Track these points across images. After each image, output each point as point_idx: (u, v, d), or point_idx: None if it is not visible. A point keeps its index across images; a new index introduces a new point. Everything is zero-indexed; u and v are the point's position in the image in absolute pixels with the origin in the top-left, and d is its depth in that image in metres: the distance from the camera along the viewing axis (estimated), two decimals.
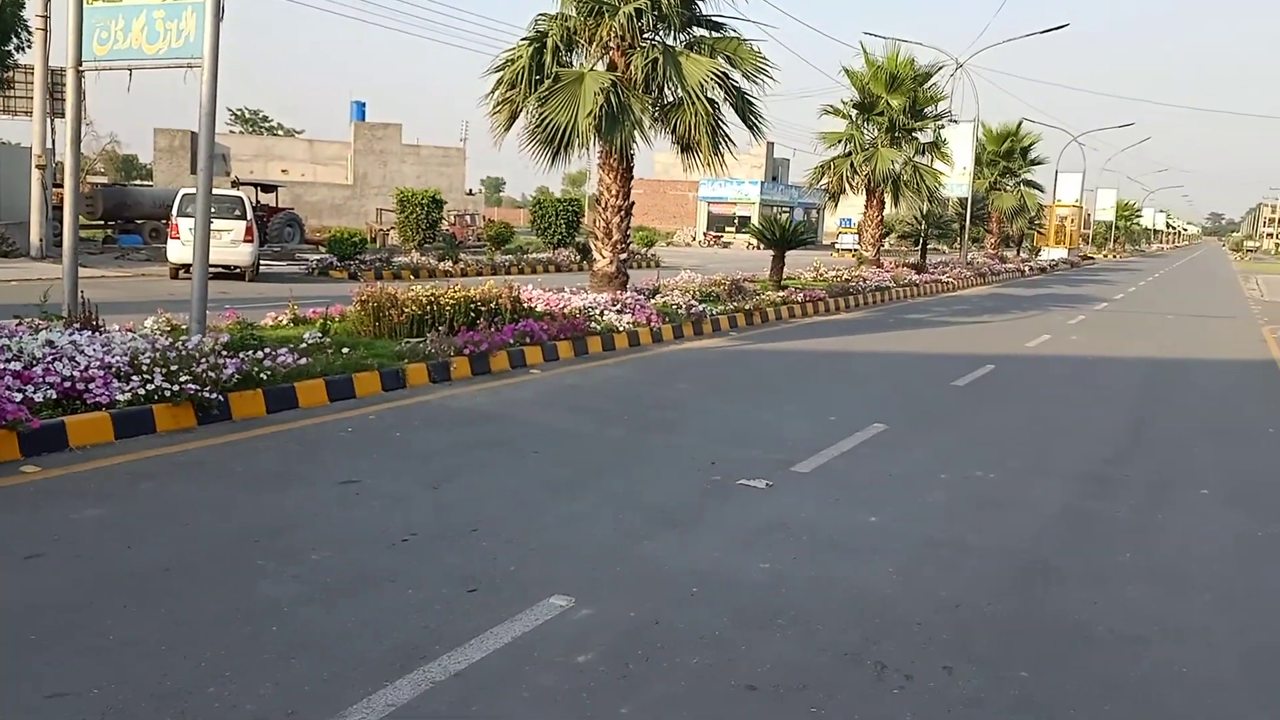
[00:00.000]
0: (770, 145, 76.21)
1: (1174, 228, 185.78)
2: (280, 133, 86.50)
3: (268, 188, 35.55)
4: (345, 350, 10.14)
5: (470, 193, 69.62)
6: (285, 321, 12.58)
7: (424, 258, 28.25)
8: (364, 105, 58.49)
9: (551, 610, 4.86)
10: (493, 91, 16.39)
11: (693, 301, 16.85)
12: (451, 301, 12.32)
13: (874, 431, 9.39)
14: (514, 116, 16.38)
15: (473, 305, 12.49)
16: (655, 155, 74.03)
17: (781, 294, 20.12)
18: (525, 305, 13.70)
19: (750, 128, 16.85)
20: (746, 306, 17.99)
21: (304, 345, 10.02)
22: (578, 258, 33.29)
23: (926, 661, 4.56)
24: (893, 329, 18.98)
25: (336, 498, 6.60)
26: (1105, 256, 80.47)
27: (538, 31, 16.13)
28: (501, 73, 16.21)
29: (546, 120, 15.30)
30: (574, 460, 7.94)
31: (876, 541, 6.30)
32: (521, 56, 15.83)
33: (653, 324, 14.93)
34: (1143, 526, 6.94)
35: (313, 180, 56.03)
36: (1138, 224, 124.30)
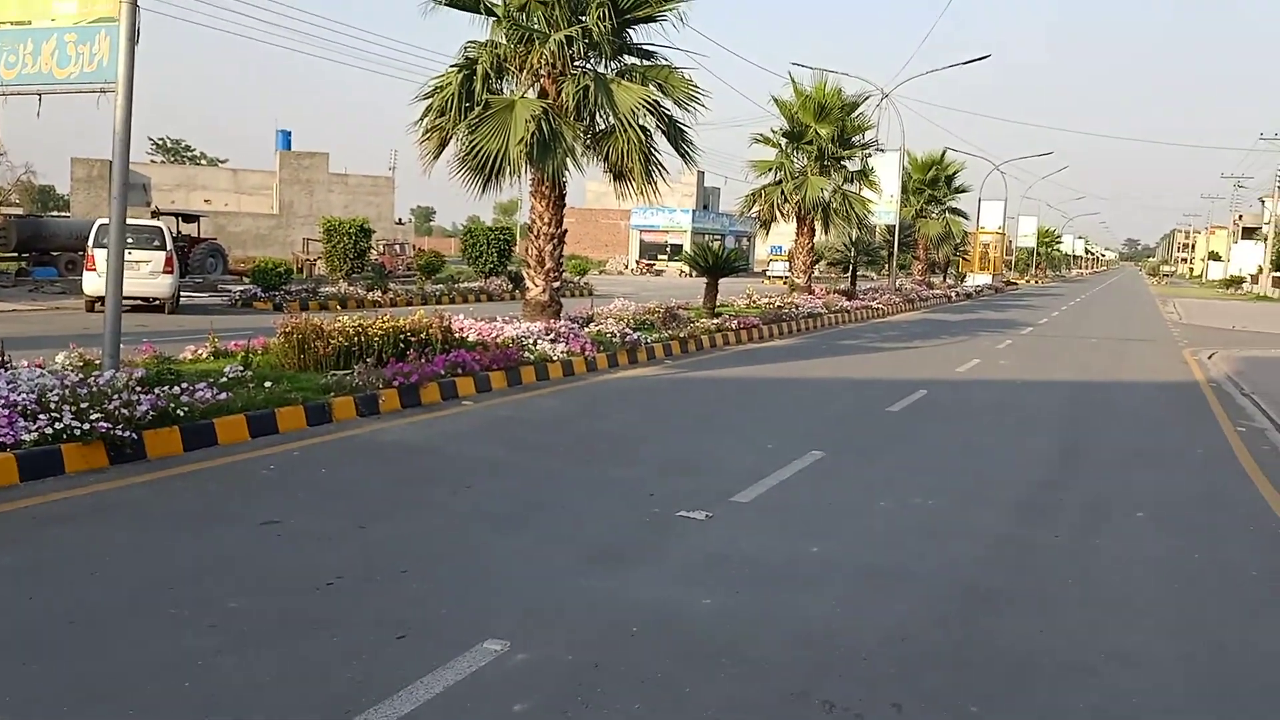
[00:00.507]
0: (701, 174, 76.82)
1: (1092, 253, 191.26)
2: (203, 162, 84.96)
3: (189, 218, 34.67)
4: (268, 384, 9.77)
5: (400, 222, 69.01)
6: (205, 355, 12.14)
7: (352, 288, 27.78)
8: (289, 134, 57.69)
9: (486, 655, 4.63)
10: (422, 119, 16.13)
11: (627, 330, 16.73)
12: (380, 332, 12.01)
13: (812, 459, 9.31)
14: (443, 144, 16.13)
15: (402, 336, 12.19)
16: (587, 183, 74.23)
17: (716, 321, 20.11)
18: (457, 335, 13.44)
19: (682, 155, 16.83)
20: (681, 334, 17.92)
21: (224, 380, 9.66)
22: (510, 287, 33.03)
23: (875, 699, 4.43)
24: (826, 355, 19.05)
25: (257, 540, 6.29)
26: (1028, 282, 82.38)
27: (467, 58, 15.96)
28: (431, 100, 15.97)
29: (477, 148, 15.09)
30: (510, 495, 7.71)
31: (819, 572, 6.18)
32: (451, 83, 15.61)
33: (587, 353, 14.75)
34: (1081, 551, 6.92)
35: (237, 210, 54.98)
36: (1058, 250, 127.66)
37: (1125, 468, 10.02)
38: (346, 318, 12.29)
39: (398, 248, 47.17)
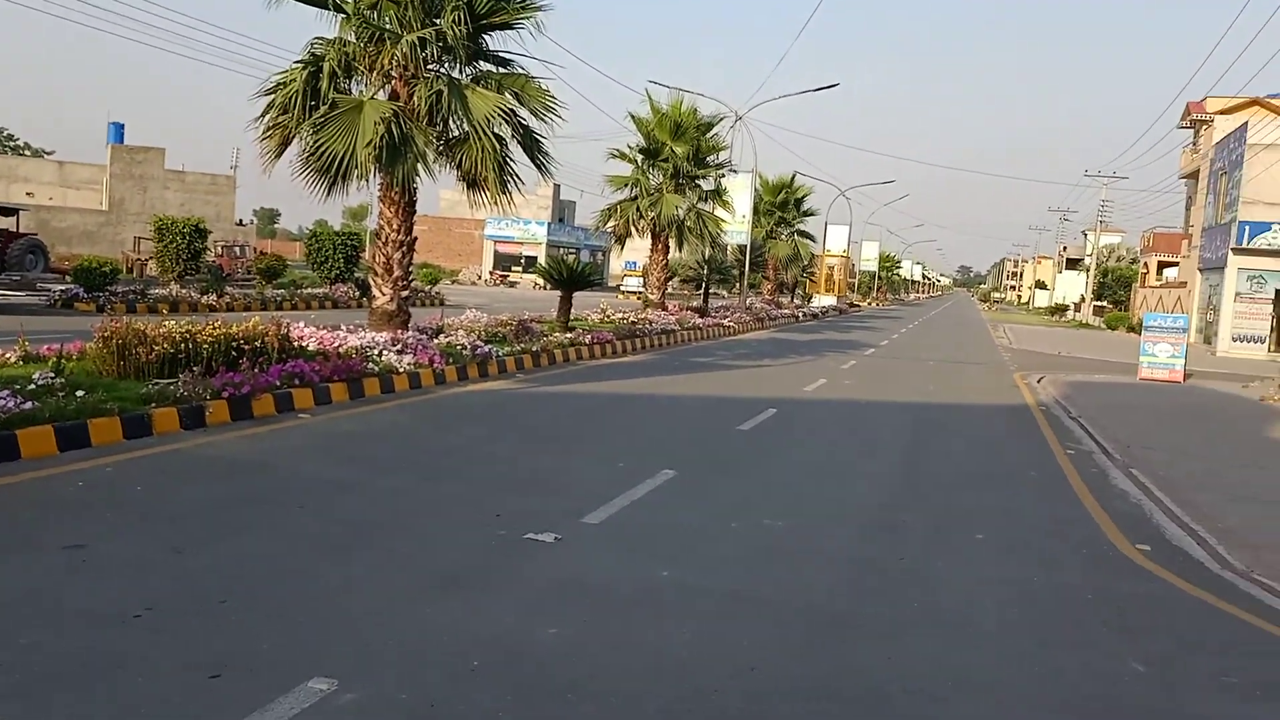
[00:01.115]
0: (557, 186, 76.69)
1: (929, 278, 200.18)
2: (26, 153, 79.46)
3: (7, 210, 32.27)
4: (81, 393, 8.98)
5: (241, 223, 66.15)
6: (14, 359, 11.11)
7: (185, 290, 26.29)
8: (122, 127, 54.47)
9: (310, 696, 4.23)
10: (263, 115, 15.32)
11: (478, 342, 16.30)
12: (210, 338, 11.25)
13: (664, 478, 9.15)
14: (286, 143, 15.37)
15: (234, 343, 11.46)
16: (441, 191, 73.05)
17: (569, 335, 19.87)
18: (295, 344, 12.77)
19: (538, 167, 16.55)
20: (534, 348, 17.59)
21: (32, 388, 8.84)
22: (357, 294, 32.02)
23: None
24: (678, 372, 19.06)
25: (61, 566, 5.67)
26: (870, 304, 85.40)
27: (314, 55, 15.25)
28: (273, 96, 15.19)
29: (322, 148, 14.42)
30: (348, 516, 7.25)
31: (672, 598, 5.99)
32: (295, 80, 14.89)
33: (435, 365, 14.27)
34: (926, 575, 6.96)
35: (62, 205, 51.49)
36: (898, 274, 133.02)
37: (964, 489, 10.25)
38: (174, 322, 11.48)
39: (237, 250, 45.08)
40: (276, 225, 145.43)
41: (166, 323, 11.38)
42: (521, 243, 69.60)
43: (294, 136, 15.21)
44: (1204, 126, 49.23)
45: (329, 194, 15.45)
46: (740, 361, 22.45)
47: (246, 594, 5.45)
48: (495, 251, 71.00)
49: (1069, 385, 21.82)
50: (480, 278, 68.64)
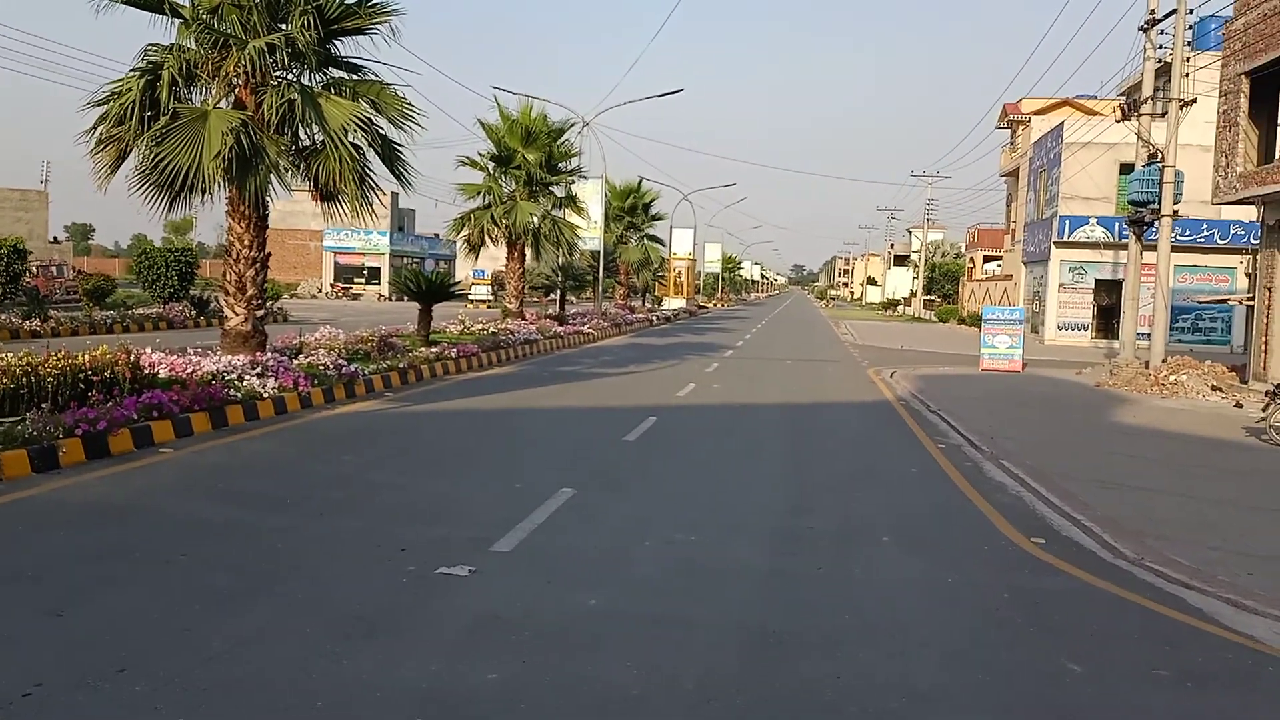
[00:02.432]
0: (395, 195, 74.76)
1: (767, 278, 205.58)
2: None
3: None
4: None
5: (55, 241, 62.02)
6: None
7: (4, 316, 24.31)
8: None
9: None
10: (95, 127, 14.20)
11: (341, 361, 15.60)
12: (55, 371, 10.33)
13: (564, 497, 8.89)
14: (122, 156, 14.30)
15: (82, 374, 10.57)
16: (274, 202, 70.11)
17: (434, 350, 19.28)
18: (146, 372, 11.87)
19: (398, 176, 15.95)
20: (400, 365, 16.97)
21: None
22: (194, 313, 30.45)
23: None
24: (550, 383, 18.75)
25: None
26: (716, 305, 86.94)
27: (151, 63, 14.25)
28: (106, 106, 14.11)
29: (164, 162, 13.45)
30: (236, 562, 6.69)
31: (604, 628, 5.75)
32: (132, 89, 13.86)
33: (301, 388, 13.55)
34: (846, 582, 6.95)
35: None
36: (739, 275, 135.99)
37: (855, 489, 10.38)
38: (11, 354, 10.47)
39: (54, 270, 42.23)
40: (90, 242, 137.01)
41: (3, 355, 10.36)
42: (363, 253, 67.67)
43: (131, 149, 14.19)
44: (1021, 127, 52.10)
45: (170, 209, 14.55)
46: (607, 369, 22.30)
47: (143, 660, 4.92)
48: (336, 263, 68.75)
49: (920, 379, 22.60)
50: (321, 290, 66.35)
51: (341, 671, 4.93)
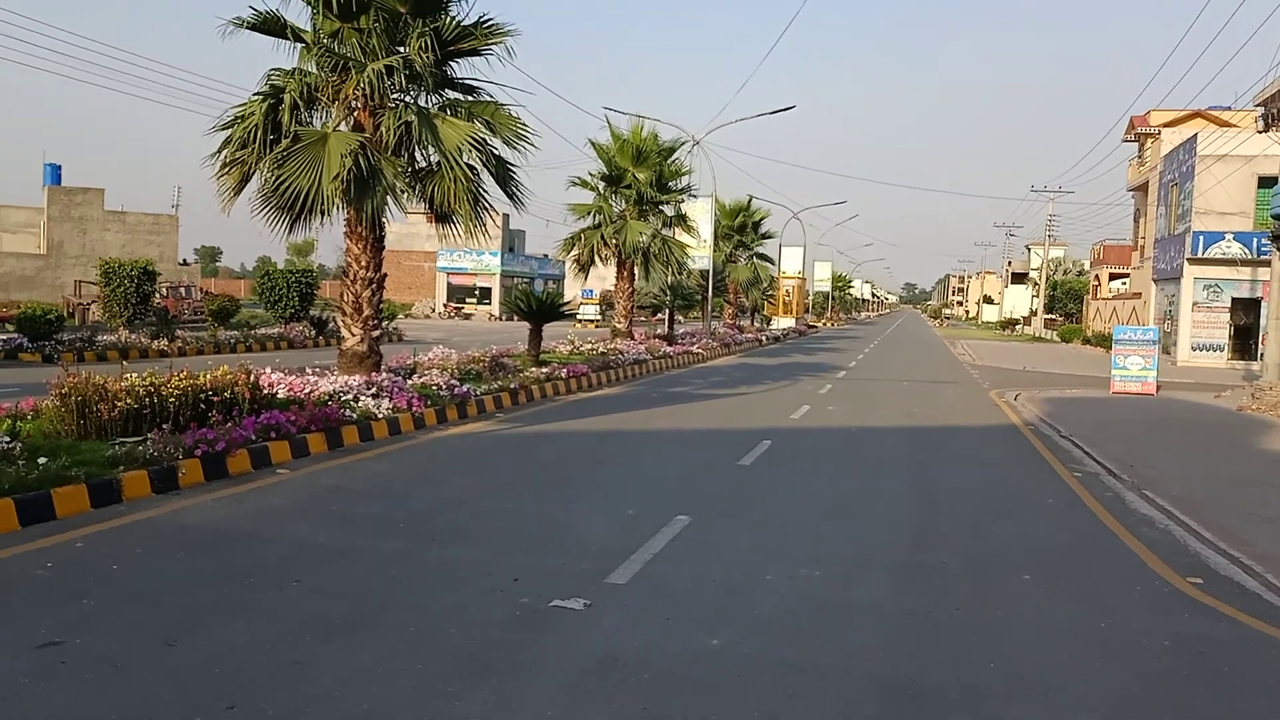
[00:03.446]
0: (506, 216, 75.93)
1: (877, 297, 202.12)
2: None
3: None
4: (42, 459, 8.17)
5: (184, 263, 64.67)
6: None
7: (134, 336, 25.24)
8: (59, 168, 52.85)
9: None
10: (219, 151, 14.55)
11: (453, 381, 15.61)
12: (177, 391, 10.47)
13: (680, 526, 8.55)
14: (245, 179, 14.62)
15: (203, 394, 10.70)
16: (389, 224, 71.91)
17: (545, 370, 19.20)
18: (265, 392, 11.99)
19: (511, 197, 15.92)
20: (511, 385, 16.91)
21: None
22: (313, 333, 31.17)
23: None
24: (661, 404, 18.46)
25: (33, 669, 4.94)
26: (825, 325, 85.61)
27: (273, 87, 14.53)
28: (230, 131, 14.43)
29: (285, 184, 13.68)
30: (349, 589, 6.54)
31: (727, 673, 5.37)
32: (255, 113, 14.15)
33: (414, 409, 13.55)
34: (986, 626, 6.42)
35: None
36: (849, 294, 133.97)
37: (987, 521, 9.76)
38: (135, 374, 10.67)
39: (183, 291, 43.91)
40: (218, 264, 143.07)
41: (129, 375, 10.56)
42: (475, 274, 68.79)
43: (254, 172, 14.48)
44: (1150, 140, 49.96)
45: (290, 231, 14.79)
46: (718, 390, 21.91)
47: (253, 694, 4.76)
48: (449, 283, 70.07)
49: (1047, 402, 21.59)
50: (434, 310, 67.67)
51: (454, 712, 4.69)
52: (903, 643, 6.05)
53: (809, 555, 7.90)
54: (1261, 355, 30.45)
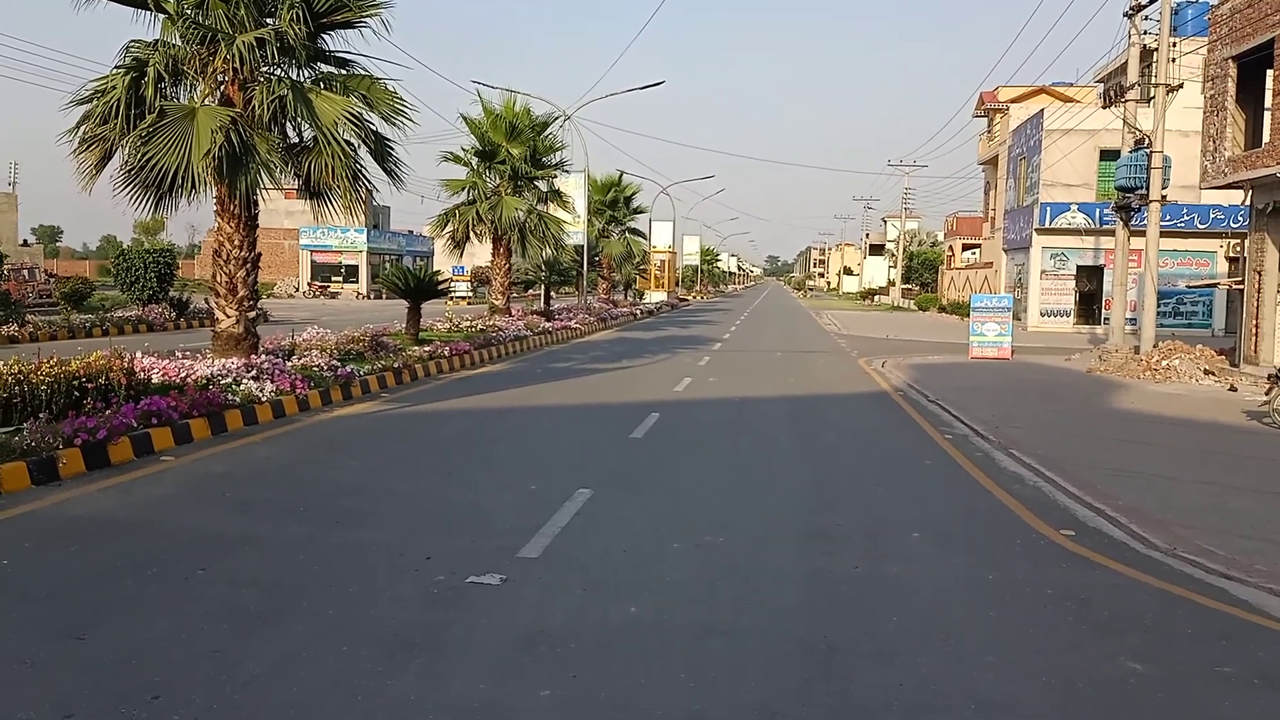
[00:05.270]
0: (370, 192, 74.12)
1: (744, 270, 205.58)
2: None
3: None
4: None
5: (25, 244, 61.06)
6: None
7: None
8: None
9: None
10: (78, 127, 13.83)
11: (335, 362, 15.30)
12: (48, 378, 10.00)
13: (582, 499, 8.67)
14: (107, 156, 13.93)
15: (76, 382, 10.24)
16: (264, 202, 69.30)
17: (427, 349, 18.97)
18: (140, 377, 11.55)
19: (390, 173, 15.64)
20: (395, 365, 16.67)
21: None
22: (174, 315, 29.97)
23: None
24: (545, 380, 18.51)
25: None
26: (696, 298, 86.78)
27: (136, 60, 13.88)
28: (90, 106, 13.74)
29: (152, 161, 13.08)
30: (258, 577, 6.43)
31: (651, 640, 5.54)
32: (116, 88, 13.49)
33: (298, 391, 13.25)
34: (885, 584, 6.76)
35: None
36: (717, 267, 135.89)
37: (873, 483, 10.22)
38: (0, 362, 10.13)
39: (26, 273, 41.53)
40: (59, 244, 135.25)
41: None
42: (340, 251, 66.99)
43: (116, 149, 13.83)
44: (999, 115, 52.21)
45: (156, 209, 14.26)
46: (600, 365, 22.07)
47: (177, 685, 4.67)
48: (313, 261, 68.05)
49: (913, 368, 22.53)
50: (298, 290, 65.69)
51: (388, 693, 4.71)
52: (812, 602, 6.33)
53: (712, 523, 8.14)
54: (1105, 319, 32.48)
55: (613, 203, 48.50)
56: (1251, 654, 5.60)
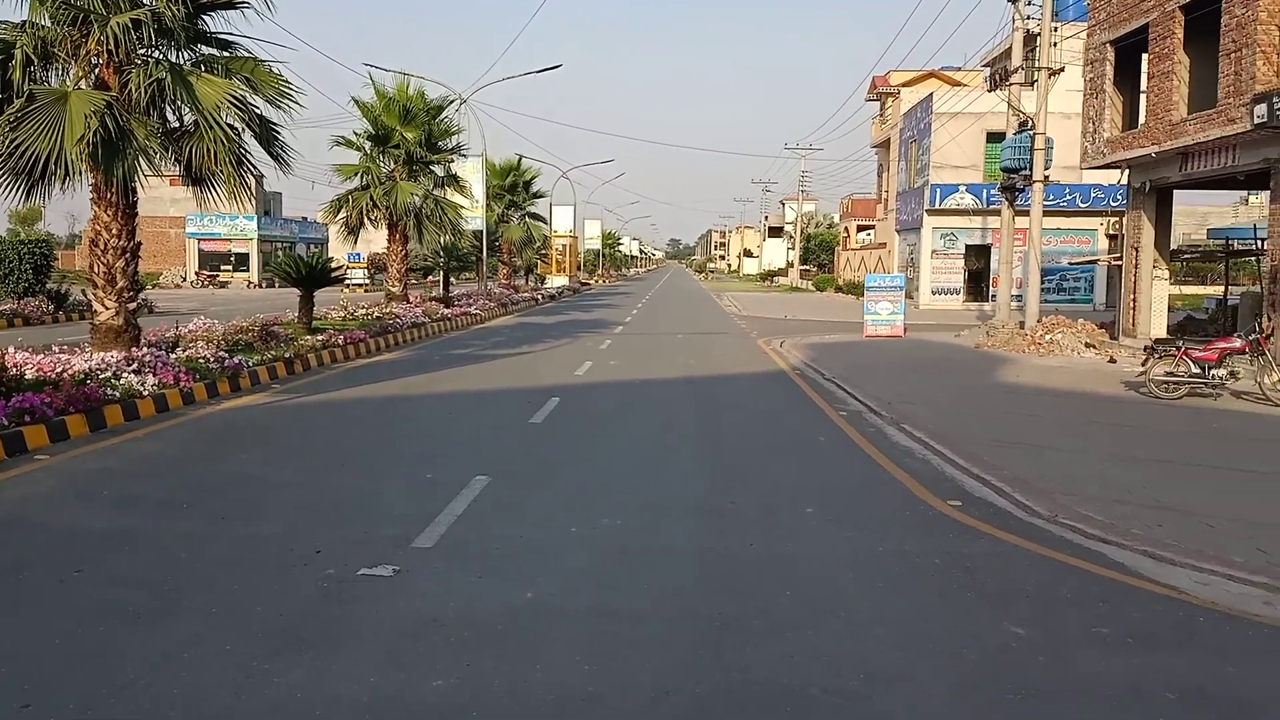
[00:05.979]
0: (260, 178, 72.08)
1: (645, 253, 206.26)
2: None
3: None
4: None
5: None
6: None
7: None
8: None
9: None
10: None
11: (222, 353, 14.86)
12: None
13: (479, 486, 8.60)
14: None
15: None
16: (142, 189, 66.68)
17: (320, 338, 18.56)
18: (12, 373, 11.04)
19: (276, 158, 15.20)
20: (286, 355, 16.26)
21: None
22: (51, 308, 28.75)
23: None
24: (444, 367, 18.29)
25: None
26: (598, 282, 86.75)
27: (1, 41, 13.22)
28: None
29: (21, 147, 12.49)
30: (139, 575, 6.22)
31: (547, 624, 5.53)
32: None
33: (182, 384, 12.82)
34: (779, 560, 6.87)
35: None
36: (620, 251, 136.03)
37: (769, 462, 10.37)
38: None
39: None
40: None
41: None
42: (229, 239, 65.04)
43: None
44: (891, 99, 53.34)
45: (28, 198, 13.62)
46: (501, 350, 21.91)
47: (50, 691, 4.50)
48: (200, 250, 65.91)
49: (810, 348, 22.93)
50: (185, 279, 63.57)
51: (274, 690, 4.61)
52: (707, 581, 6.41)
53: (609, 506, 8.16)
54: (993, 297, 33.47)
55: (512, 187, 48.09)
56: (1126, 615, 5.86)
